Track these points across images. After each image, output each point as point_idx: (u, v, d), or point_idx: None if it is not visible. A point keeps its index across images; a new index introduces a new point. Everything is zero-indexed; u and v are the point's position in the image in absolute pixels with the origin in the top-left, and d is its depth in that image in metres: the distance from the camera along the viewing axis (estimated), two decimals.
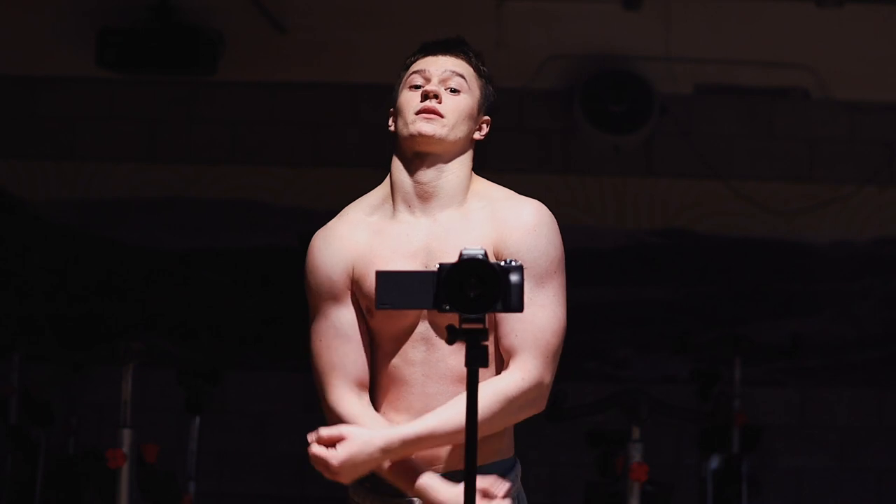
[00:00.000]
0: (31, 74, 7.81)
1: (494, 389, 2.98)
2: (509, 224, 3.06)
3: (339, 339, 3.08)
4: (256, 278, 7.84)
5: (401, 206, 3.11)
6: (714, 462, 6.99)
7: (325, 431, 2.99)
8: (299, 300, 8.94)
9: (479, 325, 2.48)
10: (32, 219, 7.82)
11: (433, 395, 3.04)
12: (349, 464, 2.97)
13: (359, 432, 2.98)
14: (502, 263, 2.52)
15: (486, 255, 2.52)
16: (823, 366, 7.79)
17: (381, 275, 2.58)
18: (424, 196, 3.10)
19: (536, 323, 3.01)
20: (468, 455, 2.49)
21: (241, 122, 7.79)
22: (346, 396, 3.06)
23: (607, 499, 5.89)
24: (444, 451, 3.05)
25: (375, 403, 3.12)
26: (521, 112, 7.54)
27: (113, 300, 7.81)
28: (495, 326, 3.03)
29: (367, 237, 3.10)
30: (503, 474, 3.06)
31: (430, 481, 3.00)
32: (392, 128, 3.20)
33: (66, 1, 7.61)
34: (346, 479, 3.02)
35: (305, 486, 7.71)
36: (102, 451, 5.37)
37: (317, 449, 2.99)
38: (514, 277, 2.51)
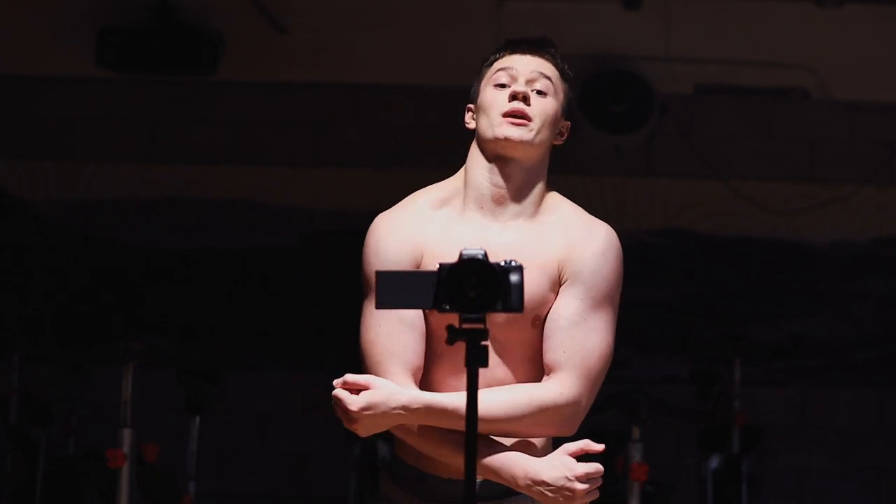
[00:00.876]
0: (31, 74, 7.81)
1: (530, 394, 2.92)
2: (580, 244, 3.00)
3: (403, 326, 2.95)
4: (256, 278, 7.84)
5: (472, 206, 3.03)
6: (714, 462, 6.99)
7: (351, 377, 2.90)
8: (299, 300, 8.90)
9: (480, 325, 2.48)
10: (32, 219, 7.83)
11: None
12: (368, 412, 2.87)
13: (385, 384, 2.89)
14: (502, 263, 2.52)
15: (485, 255, 2.52)
16: (823, 366, 7.79)
17: (380, 275, 2.58)
18: (500, 200, 3.02)
19: (586, 344, 2.97)
20: (468, 455, 2.49)
21: (241, 122, 7.79)
22: (408, 386, 2.94)
23: (607, 499, 5.89)
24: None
25: None
26: None
27: (113, 300, 7.81)
28: (542, 339, 2.97)
29: (437, 233, 3.00)
30: None
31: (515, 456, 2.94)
32: (471, 125, 3.09)
33: (66, 1, 7.61)
34: (363, 430, 2.90)
35: (305, 486, 7.71)
36: (102, 451, 5.37)
37: (340, 392, 2.89)
38: (514, 277, 2.51)
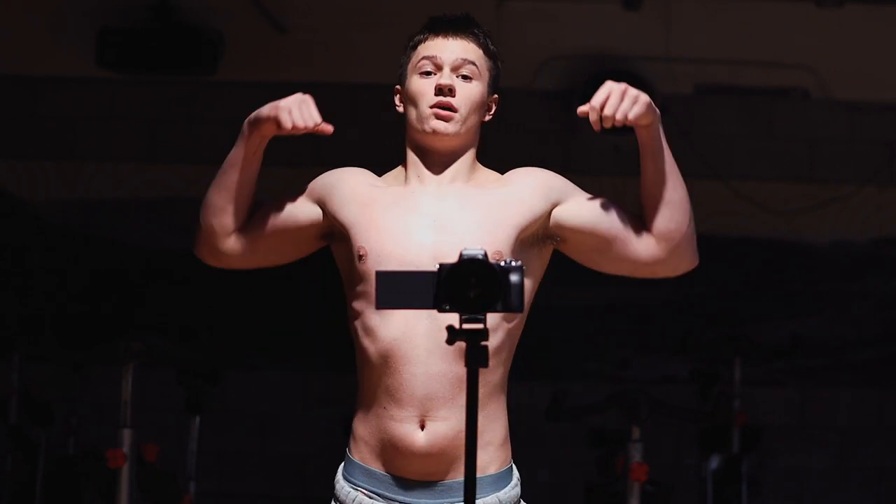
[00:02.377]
0: (31, 74, 7.81)
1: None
2: (545, 185, 3.14)
3: (281, 205, 3.25)
4: (257, 278, 7.82)
5: (412, 177, 3.14)
6: (714, 462, 6.99)
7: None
8: (299, 300, 8.89)
9: (480, 326, 2.48)
10: (32, 219, 7.82)
11: (437, 377, 2.96)
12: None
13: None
14: (502, 263, 2.52)
15: (485, 255, 2.52)
16: (823, 366, 7.79)
17: (380, 275, 2.57)
18: (435, 173, 3.13)
19: (612, 204, 3.16)
20: (468, 456, 2.49)
21: (241, 122, 7.76)
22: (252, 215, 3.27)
23: (607, 499, 5.89)
24: (441, 462, 3.00)
25: (368, 394, 3.02)
26: (521, 112, 7.54)
27: (113, 300, 7.81)
28: (600, 234, 3.11)
29: (378, 190, 3.15)
30: (501, 485, 3.05)
31: None
32: (400, 108, 3.20)
33: (66, 1, 7.61)
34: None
35: (305, 486, 7.71)
36: (102, 451, 5.37)
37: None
38: (514, 277, 2.51)
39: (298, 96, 3.18)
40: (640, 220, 3.15)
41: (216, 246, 3.27)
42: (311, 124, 3.15)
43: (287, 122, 3.15)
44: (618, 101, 2.98)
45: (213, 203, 3.29)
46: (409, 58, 3.17)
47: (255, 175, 3.27)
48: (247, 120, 3.32)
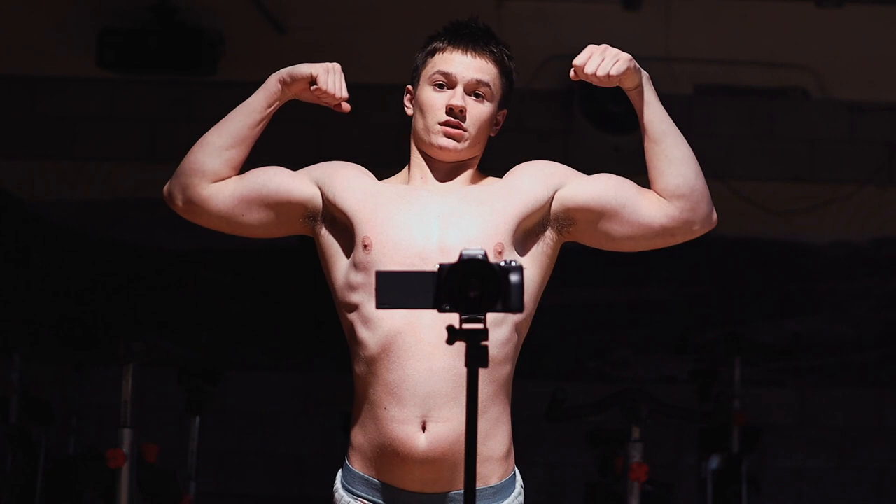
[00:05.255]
0: (31, 74, 7.81)
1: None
2: (546, 173, 3.18)
3: (277, 172, 3.21)
4: (256, 278, 7.84)
5: (415, 176, 3.14)
6: (714, 462, 6.99)
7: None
8: (299, 300, 8.89)
9: (480, 326, 2.48)
10: (32, 219, 7.83)
11: (440, 373, 2.94)
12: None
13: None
14: (502, 264, 2.52)
15: (485, 255, 2.52)
16: (823, 366, 7.79)
17: (380, 275, 2.57)
18: (438, 178, 3.13)
19: (615, 177, 3.16)
20: (468, 457, 2.49)
21: None
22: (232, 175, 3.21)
23: (607, 499, 5.89)
24: (443, 469, 2.97)
25: (367, 394, 2.98)
26: (521, 112, 7.54)
27: (113, 300, 7.81)
28: (602, 213, 3.12)
29: (380, 185, 3.14)
30: (504, 496, 3.03)
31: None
32: (409, 112, 3.18)
33: (66, 1, 7.61)
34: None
35: (305, 486, 7.71)
36: (102, 451, 5.37)
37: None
38: (514, 277, 2.50)
39: (335, 64, 3.16)
40: (647, 189, 3.13)
41: (194, 188, 3.19)
42: (339, 95, 3.14)
43: (324, 84, 3.12)
44: (599, 59, 3.03)
45: (211, 142, 3.19)
46: (424, 63, 3.15)
47: (260, 132, 3.23)
48: (276, 74, 3.24)
